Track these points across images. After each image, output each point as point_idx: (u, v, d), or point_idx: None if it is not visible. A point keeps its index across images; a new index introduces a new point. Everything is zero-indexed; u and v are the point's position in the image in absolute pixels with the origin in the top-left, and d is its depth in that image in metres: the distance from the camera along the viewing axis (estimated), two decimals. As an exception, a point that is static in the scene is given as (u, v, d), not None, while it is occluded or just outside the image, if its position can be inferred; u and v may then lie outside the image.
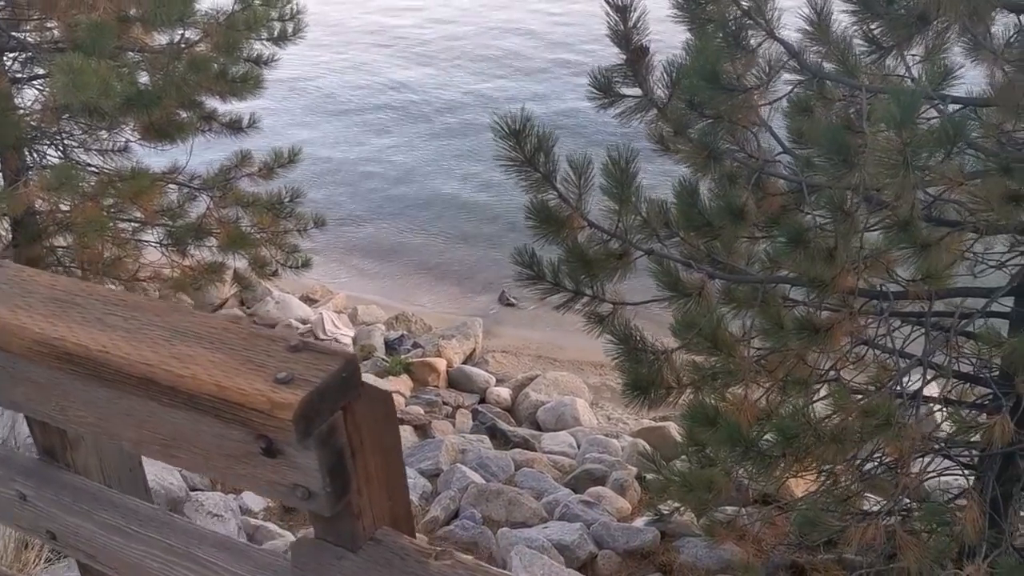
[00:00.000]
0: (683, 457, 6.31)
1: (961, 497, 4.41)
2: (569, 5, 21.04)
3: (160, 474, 4.29)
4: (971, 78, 4.38)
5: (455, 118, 18.47)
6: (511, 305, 12.35)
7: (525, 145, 4.10)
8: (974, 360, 4.58)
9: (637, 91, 4.22)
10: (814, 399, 4.29)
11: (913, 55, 4.60)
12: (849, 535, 3.94)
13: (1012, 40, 4.12)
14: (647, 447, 6.89)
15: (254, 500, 5.60)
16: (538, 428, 8.04)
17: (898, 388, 4.16)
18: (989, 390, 4.70)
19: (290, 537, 5.06)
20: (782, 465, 4.16)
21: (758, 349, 4.97)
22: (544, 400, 8.37)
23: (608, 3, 4.13)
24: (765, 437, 4.29)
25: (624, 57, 4.13)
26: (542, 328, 11.69)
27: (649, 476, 5.73)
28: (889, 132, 3.36)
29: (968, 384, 4.55)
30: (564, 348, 11.09)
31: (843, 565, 5.08)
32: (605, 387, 10.03)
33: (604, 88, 4.23)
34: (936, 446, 4.40)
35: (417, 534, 4.17)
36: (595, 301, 4.67)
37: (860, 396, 4.50)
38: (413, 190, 15.82)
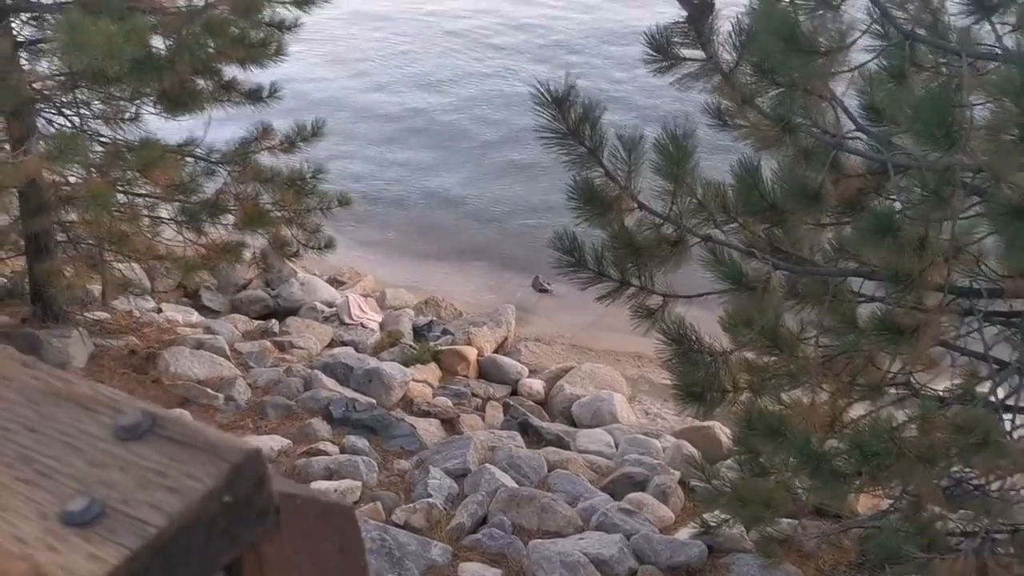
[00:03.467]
0: (731, 461, 5.82)
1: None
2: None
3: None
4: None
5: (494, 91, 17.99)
6: (545, 291, 11.86)
7: (569, 115, 3.60)
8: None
9: (699, 53, 3.69)
10: (899, 410, 3.75)
11: (1004, 23, 4.02)
12: (935, 568, 3.41)
13: None
14: (691, 449, 6.41)
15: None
16: (572, 424, 7.56)
17: (992, 399, 3.62)
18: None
19: None
20: (856, 484, 3.63)
21: (821, 347, 4.47)
22: (580, 394, 7.88)
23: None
24: (837, 451, 3.77)
25: (685, 14, 3.60)
26: (577, 316, 11.18)
27: (697, 485, 5.22)
28: (1006, 102, 2.82)
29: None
30: (599, 337, 10.59)
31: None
32: (643, 379, 9.53)
33: (661, 50, 3.70)
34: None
35: (441, 543, 3.68)
36: (643, 292, 4.17)
37: (941, 405, 3.98)
38: (447, 169, 15.37)
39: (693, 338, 3.96)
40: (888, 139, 4.19)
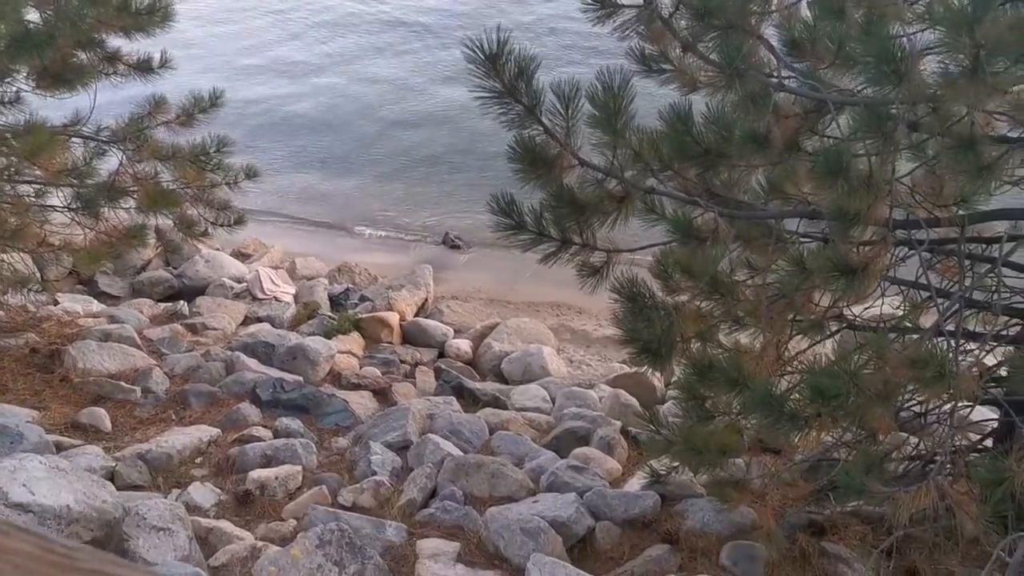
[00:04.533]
0: (670, 405, 5.84)
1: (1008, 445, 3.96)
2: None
3: (90, 491, 3.60)
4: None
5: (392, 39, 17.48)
6: (456, 247, 11.69)
7: (503, 72, 3.42)
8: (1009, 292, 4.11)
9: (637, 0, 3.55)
10: (853, 350, 3.76)
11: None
12: (898, 500, 3.46)
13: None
14: (629, 398, 6.41)
15: (203, 495, 4.94)
16: (504, 381, 7.48)
17: (945, 330, 3.67)
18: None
19: (249, 539, 4.43)
20: (814, 425, 3.64)
21: (764, 289, 4.46)
22: (508, 350, 7.80)
23: None
24: (793, 393, 3.78)
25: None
26: (491, 270, 11.09)
27: (642, 434, 5.20)
28: (957, 34, 2.77)
29: (1010, 318, 4.09)
30: (517, 290, 10.51)
31: (862, 519, 4.66)
32: (564, 328, 9.51)
33: (599, -2, 3.55)
34: (987, 394, 3.95)
35: (394, 521, 3.54)
36: (586, 250, 4.06)
37: (893, 340, 4.02)
38: (341, 130, 14.91)
39: (646, 295, 3.89)
40: (815, 76, 4.17)
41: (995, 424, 4.57)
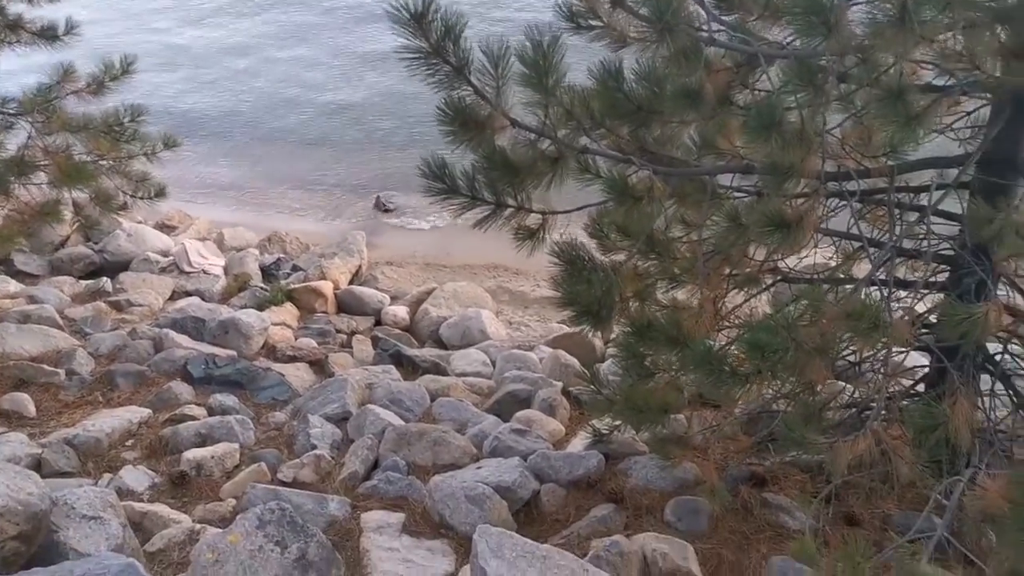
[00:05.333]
0: (610, 364, 5.84)
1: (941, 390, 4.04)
2: None
3: (14, 483, 3.44)
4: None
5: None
6: (388, 211, 11.51)
7: (430, 32, 3.30)
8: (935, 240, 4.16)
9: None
10: (789, 303, 3.76)
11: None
12: (837, 450, 3.49)
13: None
14: (569, 358, 6.40)
15: (136, 478, 4.79)
16: (443, 347, 7.42)
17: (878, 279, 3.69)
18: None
19: (187, 522, 4.31)
20: (756, 382, 3.65)
21: (684, 241, 4.45)
22: (446, 315, 7.73)
23: None
24: (732, 352, 3.78)
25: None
26: (425, 233, 10.95)
27: (585, 395, 5.19)
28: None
29: (938, 265, 4.15)
30: (451, 253, 10.42)
31: (801, 468, 4.73)
32: (502, 290, 9.46)
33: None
34: (919, 340, 4.01)
35: (337, 495, 3.47)
36: (521, 212, 3.99)
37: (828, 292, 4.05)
38: (261, 94, 14.52)
39: (586, 257, 3.84)
40: (745, 29, 4.14)
41: (926, 370, 4.66)
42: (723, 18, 4.17)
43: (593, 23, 4.29)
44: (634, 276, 4.15)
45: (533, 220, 4.00)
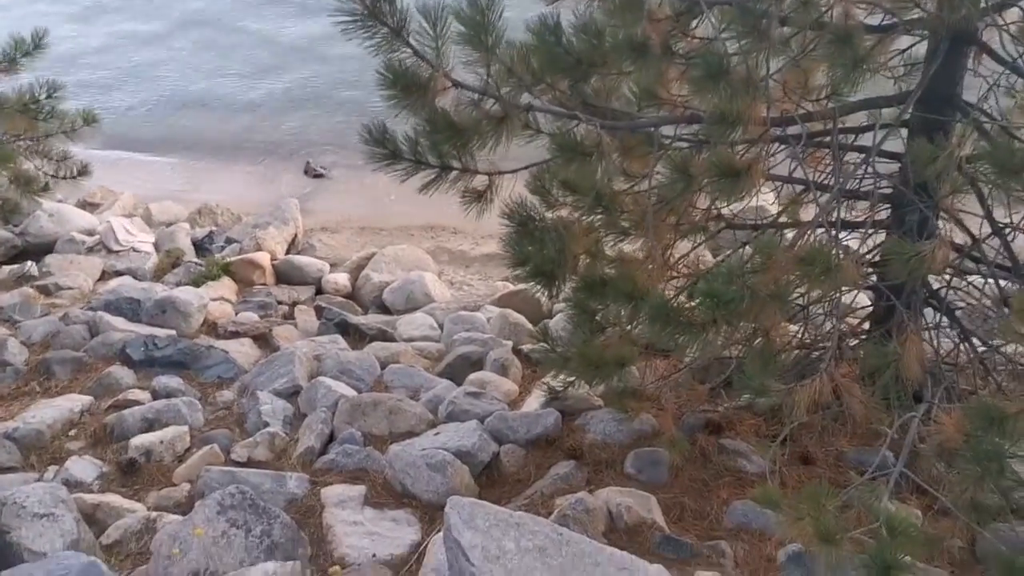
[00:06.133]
0: (559, 319, 5.83)
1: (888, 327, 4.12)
2: None
3: (-43, 487, 3.30)
4: None
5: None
6: (320, 176, 11.28)
7: (365, -7, 3.18)
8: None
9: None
10: (737, 249, 3.78)
11: None
12: (796, 394, 3.54)
13: None
14: (517, 316, 6.37)
15: (83, 469, 4.64)
16: (387, 312, 7.33)
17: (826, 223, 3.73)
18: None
19: (141, 510, 4.20)
20: (712, 332, 3.66)
21: (628, 194, 4.43)
22: (388, 280, 7.62)
23: None
24: (688, 303, 3.79)
25: None
26: (358, 196, 10.75)
27: (537, 352, 5.18)
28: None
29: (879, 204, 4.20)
30: (387, 215, 10.25)
31: (754, 412, 4.79)
32: (441, 250, 9.37)
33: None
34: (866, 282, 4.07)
35: (295, 472, 3.40)
36: (467, 175, 3.92)
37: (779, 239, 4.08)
38: (185, 60, 14.03)
39: (537, 217, 3.79)
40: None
41: (870, 308, 4.74)
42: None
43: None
44: (584, 233, 4.12)
45: (479, 182, 3.93)
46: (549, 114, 3.82)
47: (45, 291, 7.21)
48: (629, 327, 4.38)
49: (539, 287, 3.94)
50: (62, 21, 14.31)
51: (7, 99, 5.49)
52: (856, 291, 4.20)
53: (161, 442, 4.75)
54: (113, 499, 4.29)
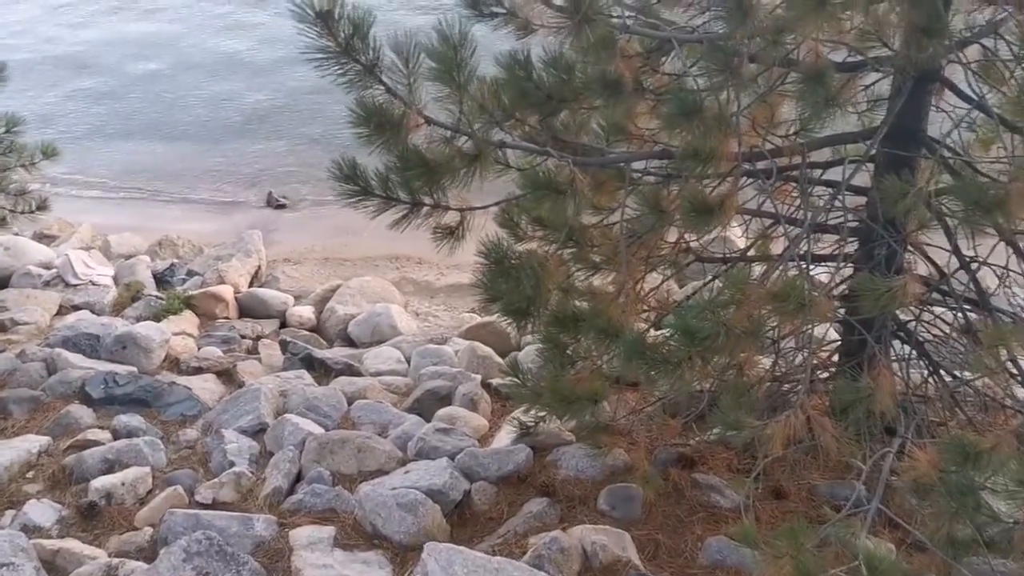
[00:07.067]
0: (528, 351, 5.79)
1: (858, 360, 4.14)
2: None
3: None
4: None
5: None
6: (281, 207, 11.19)
7: (337, 31, 3.15)
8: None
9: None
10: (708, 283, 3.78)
11: None
12: (772, 430, 3.53)
13: None
14: (486, 349, 6.32)
15: (41, 513, 4.49)
16: (353, 345, 7.24)
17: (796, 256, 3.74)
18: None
19: (103, 556, 4.07)
20: (687, 368, 3.65)
21: (597, 227, 4.43)
22: (353, 312, 7.54)
23: None
24: (662, 338, 3.78)
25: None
26: (321, 226, 10.67)
27: (508, 388, 5.12)
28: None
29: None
30: (351, 245, 10.17)
31: (726, 446, 4.79)
32: (406, 281, 9.30)
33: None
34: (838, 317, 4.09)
35: (262, 514, 3.31)
36: (439, 211, 3.88)
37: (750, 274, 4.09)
38: (141, 88, 13.89)
39: (512, 255, 3.76)
40: (650, 11, 4.11)
41: (839, 342, 4.77)
42: (627, 1, 4.14)
43: (496, 10, 4.21)
44: (557, 268, 4.10)
45: (451, 218, 3.89)
46: (521, 150, 3.81)
47: (1, 327, 7.02)
48: (600, 362, 4.37)
49: (514, 322, 3.90)
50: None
51: (-37, 134, 5.37)
52: (827, 325, 4.21)
53: (122, 484, 4.62)
54: (73, 544, 4.16)
